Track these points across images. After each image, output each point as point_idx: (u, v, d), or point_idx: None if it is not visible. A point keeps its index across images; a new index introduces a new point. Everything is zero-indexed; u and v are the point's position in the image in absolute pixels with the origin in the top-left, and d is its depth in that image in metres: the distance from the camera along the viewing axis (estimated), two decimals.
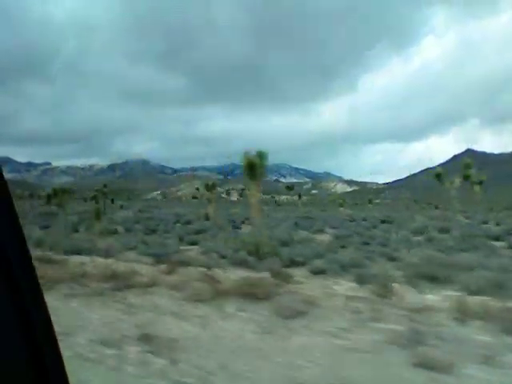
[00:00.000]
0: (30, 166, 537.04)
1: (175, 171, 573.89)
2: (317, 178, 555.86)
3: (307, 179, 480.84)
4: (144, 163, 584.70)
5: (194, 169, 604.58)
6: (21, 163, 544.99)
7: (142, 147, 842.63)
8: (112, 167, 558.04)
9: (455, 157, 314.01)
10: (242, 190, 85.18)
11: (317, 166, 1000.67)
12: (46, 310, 0.96)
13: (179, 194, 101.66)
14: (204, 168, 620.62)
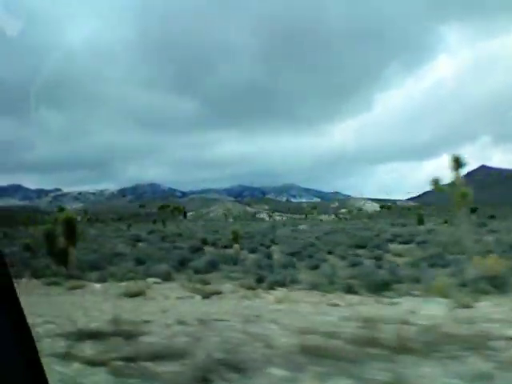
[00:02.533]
0: (41, 192, 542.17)
1: (184, 194, 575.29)
2: (326, 198, 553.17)
3: (317, 199, 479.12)
4: (153, 187, 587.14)
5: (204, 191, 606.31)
6: (32, 190, 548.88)
7: (152, 171, 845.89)
8: (122, 192, 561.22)
9: (469, 173, 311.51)
10: (272, 211, 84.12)
11: (326, 186, 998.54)
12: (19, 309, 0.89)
13: (211, 215, 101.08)
14: (214, 190, 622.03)
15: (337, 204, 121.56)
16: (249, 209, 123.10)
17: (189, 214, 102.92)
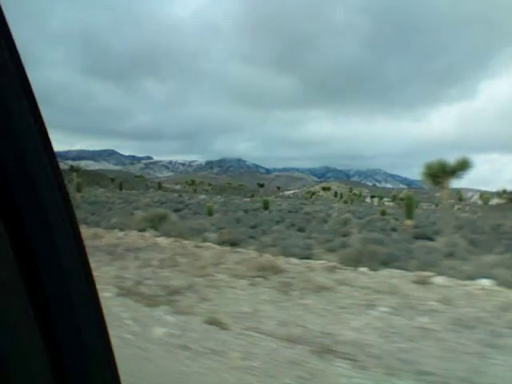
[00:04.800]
0: (133, 159, 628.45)
1: (268, 171, 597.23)
2: (412, 185, 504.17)
3: (403, 186, 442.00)
4: (239, 161, 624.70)
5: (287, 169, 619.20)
6: (125, 156, 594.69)
7: (240, 146, 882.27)
8: (209, 164, 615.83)
9: None
10: (372, 196, 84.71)
11: (414, 174, 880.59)
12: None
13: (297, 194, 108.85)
14: (297, 169, 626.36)
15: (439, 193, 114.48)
16: (355, 191, 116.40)
17: (290, 192, 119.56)
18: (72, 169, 41.79)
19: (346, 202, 61.82)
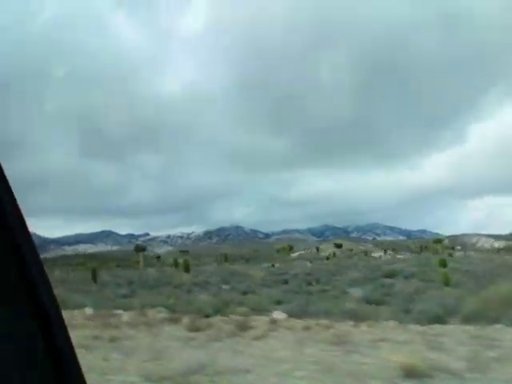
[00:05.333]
0: (131, 237, 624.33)
1: (266, 235, 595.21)
2: (412, 236, 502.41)
3: (402, 237, 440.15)
4: (237, 228, 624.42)
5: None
6: (122, 235, 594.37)
7: (237, 213, 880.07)
8: (208, 234, 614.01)
9: None
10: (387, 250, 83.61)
11: (411, 224, 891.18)
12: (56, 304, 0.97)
13: (322, 254, 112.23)
14: (296, 231, 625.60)
15: (447, 241, 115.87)
16: (361, 247, 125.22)
17: (297, 254, 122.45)
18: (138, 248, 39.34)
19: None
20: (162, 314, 11.16)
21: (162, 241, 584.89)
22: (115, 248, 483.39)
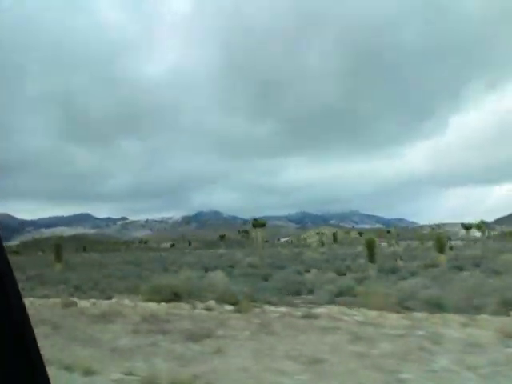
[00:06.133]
0: (108, 220, 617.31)
1: (245, 221, 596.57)
2: (389, 225, 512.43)
3: (380, 225, 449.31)
4: (216, 214, 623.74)
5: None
6: (100, 219, 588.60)
7: (216, 198, 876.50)
8: (186, 219, 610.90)
9: None
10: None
11: (388, 213, 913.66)
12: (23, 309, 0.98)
13: (308, 241, 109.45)
14: (275, 217, 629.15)
15: (428, 230, 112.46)
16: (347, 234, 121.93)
17: (283, 239, 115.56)
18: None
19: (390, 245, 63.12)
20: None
21: (140, 225, 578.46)
22: (92, 231, 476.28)
